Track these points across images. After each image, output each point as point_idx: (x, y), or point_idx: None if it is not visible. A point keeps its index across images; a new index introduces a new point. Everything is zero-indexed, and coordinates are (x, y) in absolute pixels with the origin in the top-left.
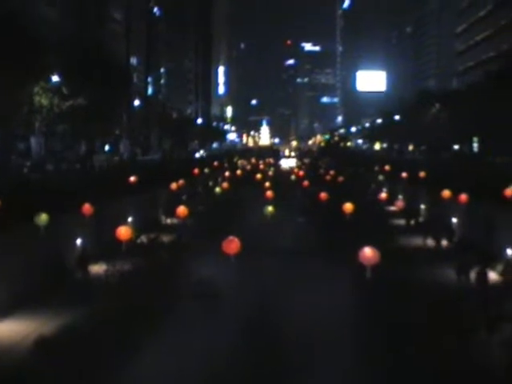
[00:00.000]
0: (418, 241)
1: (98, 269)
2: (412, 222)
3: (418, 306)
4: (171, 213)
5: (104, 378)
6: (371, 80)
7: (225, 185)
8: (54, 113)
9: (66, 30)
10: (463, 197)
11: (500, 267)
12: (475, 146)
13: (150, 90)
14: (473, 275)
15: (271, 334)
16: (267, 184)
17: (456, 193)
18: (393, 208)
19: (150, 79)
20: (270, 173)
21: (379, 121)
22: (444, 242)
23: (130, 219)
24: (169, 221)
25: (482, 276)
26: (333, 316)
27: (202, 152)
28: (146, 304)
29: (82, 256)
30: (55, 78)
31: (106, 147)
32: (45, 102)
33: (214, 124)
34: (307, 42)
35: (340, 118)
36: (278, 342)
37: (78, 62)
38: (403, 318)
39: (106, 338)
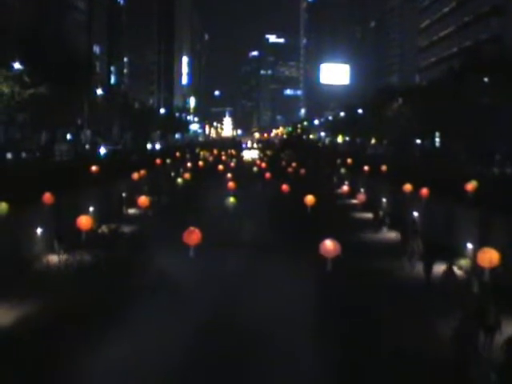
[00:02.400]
0: (380, 234)
1: (57, 259)
2: (381, 214)
3: (378, 297)
4: (133, 203)
5: (61, 371)
6: (335, 73)
7: (187, 175)
8: (14, 101)
9: (27, 18)
10: (424, 191)
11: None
12: (437, 140)
13: (112, 80)
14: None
15: (228, 326)
16: (229, 175)
17: (417, 187)
18: (354, 201)
19: (112, 69)
20: (232, 164)
21: (342, 114)
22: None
23: (91, 209)
24: (130, 211)
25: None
26: (292, 308)
27: (157, 144)
28: (105, 296)
29: (59, 236)
30: (17, 66)
31: (68, 136)
32: (6, 89)
33: (177, 115)
34: (271, 34)
35: (303, 111)
36: (235, 336)
37: (40, 50)
38: (362, 310)
39: (65, 331)
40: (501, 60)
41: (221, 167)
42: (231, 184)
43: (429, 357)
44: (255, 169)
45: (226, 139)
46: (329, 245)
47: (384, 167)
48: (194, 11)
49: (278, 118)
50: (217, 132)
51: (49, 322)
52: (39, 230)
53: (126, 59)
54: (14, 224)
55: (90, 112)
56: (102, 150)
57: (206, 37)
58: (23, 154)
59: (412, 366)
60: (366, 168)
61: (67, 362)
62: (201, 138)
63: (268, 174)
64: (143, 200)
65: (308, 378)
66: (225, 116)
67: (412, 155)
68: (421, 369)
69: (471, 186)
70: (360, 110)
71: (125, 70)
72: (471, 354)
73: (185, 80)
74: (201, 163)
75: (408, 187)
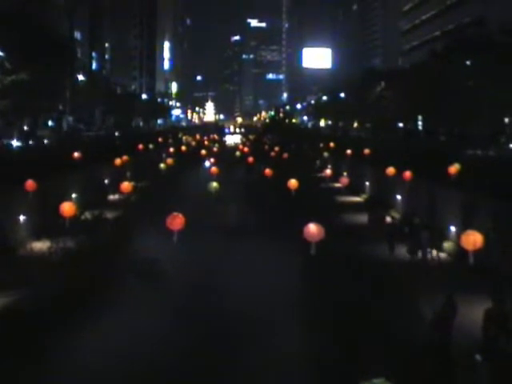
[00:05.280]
0: (363, 217)
1: (41, 246)
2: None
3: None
4: (115, 189)
5: (43, 359)
6: (317, 57)
7: (169, 161)
8: None
9: (6, 3)
10: (407, 174)
11: None
12: (419, 124)
13: (94, 65)
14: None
15: (212, 310)
16: (212, 160)
17: (400, 170)
18: (337, 184)
19: (94, 54)
20: (215, 149)
21: (325, 98)
22: None
23: (73, 195)
24: (113, 197)
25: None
26: (276, 292)
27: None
28: (89, 282)
29: None
30: None
31: (50, 123)
32: None
33: (159, 100)
34: (253, 18)
35: (285, 95)
36: (219, 320)
37: (20, 36)
38: (346, 293)
39: (47, 318)
40: (483, 42)
41: (203, 152)
42: (214, 169)
43: (411, 340)
44: (238, 153)
45: (209, 124)
46: (313, 229)
47: (367, 150)
48: None
49: (261, 102)
50: (199, 117)
51: (32, 308)
52: (22, 217)
53: (107, 44)
54: None
55: (71, 98)
56: (15, 143)
57: (188, 21)
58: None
59: (395, 348)
60: (348, 151)
61: (51, 349)
62: (184, 123)
63: (251, 159)
64: (126, 186)
65: (295, 360)
66: (207, 101)
67: (394, 138)
68: (404, 351)
69: (454, 168)
70: (342, 94)
71: (106, 56)
72: (450, 337)
73: (167, 65)
74: (183, 148)
75: (391, 170)
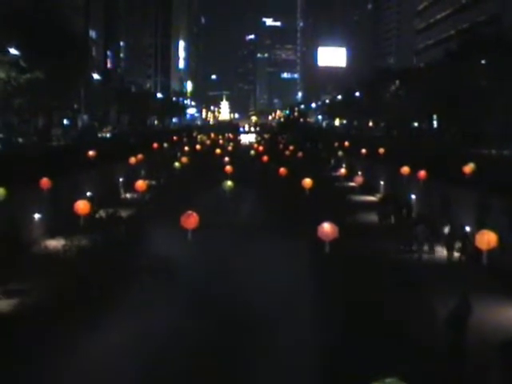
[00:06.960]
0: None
1: (55, 243)
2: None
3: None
4: (130, 187)
5: (57, 356)
6: (332, 56)
7: (184, 159)
8: (11, 86)
9: (23, 2)
10: (422, 173)
11: None
12: (434, 123)
13: (109, 64)
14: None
15: (227, 308)
16: (226, 159)
17: (415, 169)
18: (352, 184)
19: (109, 53)
20: (230, 148)
21: (339, 97)
22: None
23: (88, 193)
24: (127, 195)
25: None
26: (290, 290)
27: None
28: (102, 280)
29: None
30: (13, 51)
31: (65, 121)
32: (2, 74)
33: (174, 99)
34: (268, 17)
35: (300, 94)
36: (233, 318)
37: (35, 35)
38: (360, 292)
39: (61, 315)
40: (498, 41)
41: (218, 151)
42: (228, 168)
43: (424, 338)
44: (252, 152)
45: (224, 123)
46: (327, 228)
47: (381, 150)
48: None
49: (275, 101)
50: (214, 116)
51: (46, 305)
52: (37, 215)
53: (122, 43)
54: (11, 209)
55: (86, 96)
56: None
57: (203, 20)
58: (20, 139)
59: (408, 347)
60: (363, 150)
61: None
62: (199, 122)
63: (265, 158)
64: (140, 184)
65: (305, 356)
66: (222, 100)
67: (408, 137)
68: (417, 350)
69: (469, 168)
70: (357, 93)
71: (121, 54)
72: (465, 336)
73: (182, 64)
74: (198, 147)
75: (405, 169)
